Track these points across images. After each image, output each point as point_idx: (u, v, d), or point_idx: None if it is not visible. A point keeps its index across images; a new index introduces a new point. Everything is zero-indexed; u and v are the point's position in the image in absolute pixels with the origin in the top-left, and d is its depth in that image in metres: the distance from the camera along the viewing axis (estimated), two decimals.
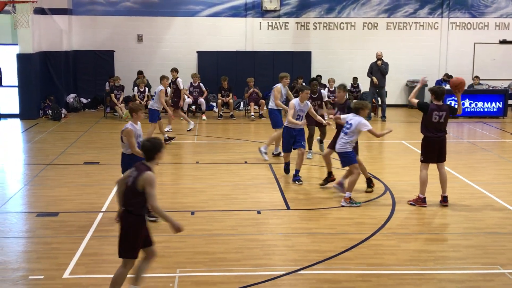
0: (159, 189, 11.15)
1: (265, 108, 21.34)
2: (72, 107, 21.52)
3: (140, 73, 21.79)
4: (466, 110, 21.06)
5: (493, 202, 10.25)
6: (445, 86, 22.05)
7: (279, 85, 13.62)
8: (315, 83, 14.05)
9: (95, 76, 22.63)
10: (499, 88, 22.08)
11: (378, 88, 20.36)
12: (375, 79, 20.13)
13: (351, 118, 10.16)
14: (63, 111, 20.59)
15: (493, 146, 15.53)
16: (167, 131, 16.69)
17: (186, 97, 20.97)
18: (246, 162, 13.65)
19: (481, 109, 21.13)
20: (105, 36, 22.84)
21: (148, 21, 22.98)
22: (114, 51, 22.89)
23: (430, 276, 7.23)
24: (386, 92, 20.61)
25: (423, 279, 7.14)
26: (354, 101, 12.43)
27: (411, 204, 10.07)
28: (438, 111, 9.77)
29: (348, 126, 10.17)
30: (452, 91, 10.18)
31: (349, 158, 10.14)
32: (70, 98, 21.71)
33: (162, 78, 15.88)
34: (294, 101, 11.82)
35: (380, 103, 20.73)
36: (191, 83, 20.93)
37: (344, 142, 10.12)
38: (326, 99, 14.19)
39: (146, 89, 20.62)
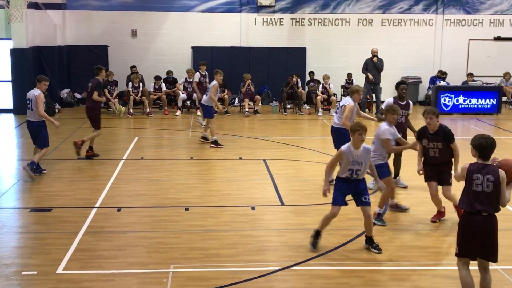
0: (155, 184, 11.25)
1: (260, 104, 21.38)
2: (66, 102, 21.47)
3: (133, 67, 21.73)
4: (460, 107, 21.12)
5: None
6: (439, 82, 22.17)
7: (351, 102, 10.69)
8: (405, 87, 10.94)
9: (89, 71, 22.33)
10: (493, 84, 22.13)
11: (373, 85, 20.38)
12: (370, 76, 20.14)
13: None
14: (57, 106, 20.54)
15: None
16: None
17: (180, 92, 20.96)
18: (240, 158, 13.64)
19: (475, 106, 21.17)
20: (99, 31, 22.77)
21: (142, 16, 22.92)
22: (108, 46, 22.82)
23: (424, 272, 7.25)
24: (380, 88, 20.63)
25: (416, 275, 7.16)
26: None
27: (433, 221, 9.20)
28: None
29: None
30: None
31: (380, 172, 8.68)
32: (64, 93, 21.65)
33: (216, 73, 15.30)
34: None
35: (374, 99, 20.76)
36: (185, 78, 20.90)
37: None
38: (411, 111, 11.12)
39: (141, 84, 20.59)
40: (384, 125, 9.13)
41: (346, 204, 7.83)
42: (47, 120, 11.82)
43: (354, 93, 10.60)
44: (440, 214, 9.18)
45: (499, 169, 5.97)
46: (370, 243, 7.89)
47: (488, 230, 5.96)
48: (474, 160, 6.12)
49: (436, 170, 8.81)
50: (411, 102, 11.05)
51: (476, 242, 5.98)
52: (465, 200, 6.06)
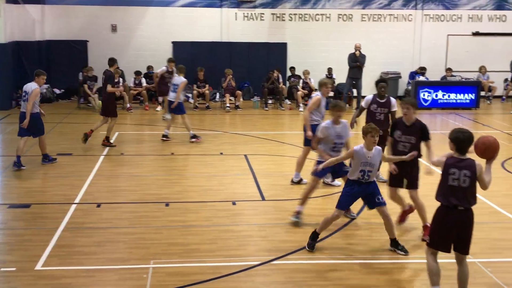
0: (135, 180, 11.21)
1: (241, 99, 21.37)
2: (45, 97, 21.26)
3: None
4: (439, 102, 21.29)
5: None
6: (419, 78, 22.32)
7: (318, 95, 10.49)
8: (384, 85, 10.73)
9: (69, 67, 22.36)
10: (472, 79, 22.34)
11: (355, 80, 20.48)
12: (356, 65, 20.15)
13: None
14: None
15: None
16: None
17: None
18: (221, 153, 13.64)
19: (454, 101, 21.36)
20: (79, 26, 22.60)
21: (122, 11, 22.79)
22: (88, 41, 22.67)
23: (402, 265, 7.32)
24: (361, 84, 20.73)
25: (395, 268, 7.23)
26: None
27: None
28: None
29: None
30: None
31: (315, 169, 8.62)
32: (43, 88, 21.42)
33: (180, 69, 15.49)
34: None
35: (355, 94, 20.85)
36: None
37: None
38: (395, 109, 10.73)
39: (121, 79, 20.47)
40: (325, 122, 8.83)
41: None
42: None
43: (322, 86, 10.42)
44: (406, 212, 8.68)
45: (475, 162, 6.01)
46: (395, 245, 7.72)
47: (464, 224, 6.03)
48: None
49: (404, 170, 8.16)
50: (393, 100, 10.72)
51: (451, 237, 6.05)
52: (441, 193, 6.11)
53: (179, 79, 14.98)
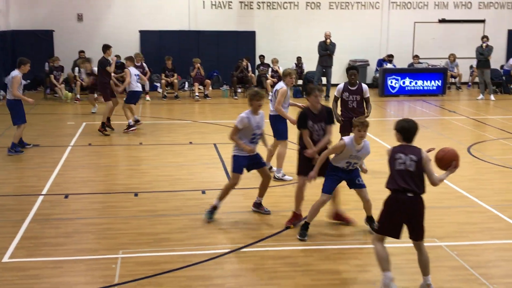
0: (103, 170, 11.13)
1: (210, 88, 21.31)
2: None
3: (81, 52, 21.32)
4: (406, 89, 21.52)
5: None
6: (386, 65, 22.51)
7: (284, 86, 10.26)
8: (353, 72, 10.64)
9: (34, 57, 21.83)
10: (439, 66, 22.60)
11: (325, 68, 20.57)
12: (326, 53, 20.25)
13: None
14: (1, 92, 20.02)
15: (432, 123, 15.91)
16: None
17: None
18: (190, 142, 13.60)
19: (421, 87, 21.61)
20: (44, 16, 22.26)
21: (88, 0, 22.48)
22: (54, 31, 22.35)
23: (370, 250, 7.35)
24: (331, 72, 20.82)
25: (363, 253, 7.31)
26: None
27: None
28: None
29: None
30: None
31: (232, 164, 8.51)
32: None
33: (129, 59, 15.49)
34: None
35: (326, 82, 20.94)
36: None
37: None
38: (368, 95, 10.75)
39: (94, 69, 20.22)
40: (244, 113, 8.33)
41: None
42: (22, 99, 12.42)
43: (287, 76, 10.18)
44: (296, 216, 8.26)
45: (422, 150, 6.11)
46: (370, 221, 7.93)
47: (414, 211, 6.04)
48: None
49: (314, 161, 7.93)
50: (364, 86, 10.68)
51: (400, 223, 6.09)
52: (390, 180, 6.13)
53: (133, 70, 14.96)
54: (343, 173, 7.70)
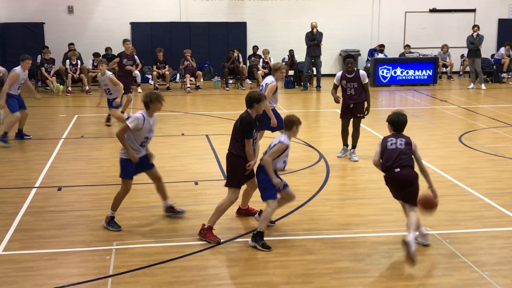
0: (96, 163, 11.12)
1: (201, 79, 21.28)
2: (1, 81, 20.81)
3: (71, 44, 21.25)
4: (398, 78, 21.58)
5: None
6: (378, 55, 22.55)
7: (274, 81, 10.25)
8: (350, 61, 10.98)
9: (25, 49, 21.84)
10: (430, 56, 22.66)
11: (314, 58, 20.58)
12: (314, 43, 20.24)
13: None
14: None
15: (424, 113, 15.97)
16: None
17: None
18: (183, 134, 13.61)
19: (412, 77, 21.67)
20: (34, 8, 22.14)
21: None
22: (44, 23, 22.24)
23: (363, 239, 7.45)
24: (321, 62, 20.82)
25: (356, 242, 7.36)
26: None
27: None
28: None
29: None
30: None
31: (120, 167, 7.91)
32: (0, 72, 20.98)
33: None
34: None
35: (315, 73, 20.96)
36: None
37: None
38: (366, 81, 11.05)
39: (78, 61, 20.18)
40: (139, 113, 7.69)
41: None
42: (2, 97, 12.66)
43: (277, 70, 10.10)
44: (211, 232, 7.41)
45: (411, 138, 6.98)
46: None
47: (406, 180, 6.82)
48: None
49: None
50: (362, 72, 10.94)
51: (397, 190, 6.98)
52: (383, 160, 6.98)
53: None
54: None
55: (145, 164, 7.97)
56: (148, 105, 7.66)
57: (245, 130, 7.27)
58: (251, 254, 7.02)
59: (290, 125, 7.26)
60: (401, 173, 6.77)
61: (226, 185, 7.55)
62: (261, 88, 10.55)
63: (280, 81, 10.50)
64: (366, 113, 11.08)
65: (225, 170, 10.47)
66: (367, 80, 10.98)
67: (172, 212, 8.26)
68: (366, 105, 11.02)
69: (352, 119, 11.13)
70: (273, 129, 10.33)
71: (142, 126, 7.60)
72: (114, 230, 7.70)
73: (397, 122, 6.99)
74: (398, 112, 7.08)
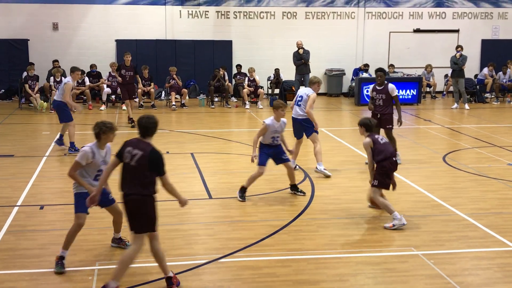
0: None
1: (187, 97, 21.26)
2: None
3: (55, 61, 21.19)
4: None
5: (407, 186, 10.62)
6: (362, 74, 22.68)
7: (314, 93, 11.38)
8: (380, 74, 12.12)
9: (9, 66, 21.86)
10: (414, 76, 22.83)
11: (303, 76, 20.66)
12: (301, 62, 20.33)
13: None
14: None
15: (408, 132, 16.05)
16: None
17: (105, 86, 20.59)
18: (168, 152, 13.53)
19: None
20: (19, 25, 22.08)
21: (64, 9, 22.38)
22: (29, 40, 22.15)
23: (348, 259, 7.42)
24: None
25: (341, 262, 7.32)
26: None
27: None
28: None
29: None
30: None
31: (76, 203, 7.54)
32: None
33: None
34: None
35: None
36: (109, 72, 20.54)
37: None
38: (395, 93, 12.06)
39: (63, 78, 20.07)
40: (90, 145, 7.35)
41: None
42: (69, 105, 13.29)
43: (315, 84, 11.39)
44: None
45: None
46: (295, 189, 10.06)
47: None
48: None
49: None
50: (391, 86, 12.03)
51: (392, 177, 8.53)
52: (378, 154, 8.49)
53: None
54: (269, 149, 9.64)
55: (104, 201, 7.47)
56: (99, 136, 7.23)
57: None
58: (236, 275, 6.96)
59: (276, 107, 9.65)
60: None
61: None
62: (300, 98, 11.46)
63: (316, 92, 11.48)
64: (399, 124, 12.22)
65: (209, 189, 10.49)
66: (395, 93, 12.01)
67: (118, 244, 7.80)
68: (398, 116, 12.16)
69: (385, 131, 11.95)
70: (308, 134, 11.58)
71: (92, 159, 7.13)
72: (57, 271, 6.90)
73: (368, 124, 8.55)
74: (368, 117, 8.91)
